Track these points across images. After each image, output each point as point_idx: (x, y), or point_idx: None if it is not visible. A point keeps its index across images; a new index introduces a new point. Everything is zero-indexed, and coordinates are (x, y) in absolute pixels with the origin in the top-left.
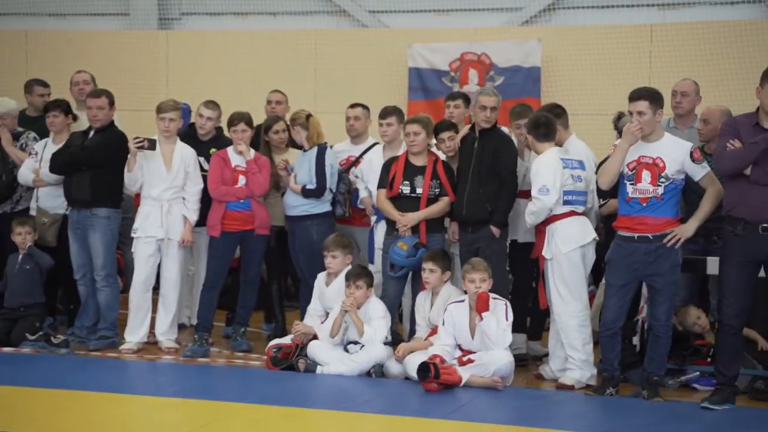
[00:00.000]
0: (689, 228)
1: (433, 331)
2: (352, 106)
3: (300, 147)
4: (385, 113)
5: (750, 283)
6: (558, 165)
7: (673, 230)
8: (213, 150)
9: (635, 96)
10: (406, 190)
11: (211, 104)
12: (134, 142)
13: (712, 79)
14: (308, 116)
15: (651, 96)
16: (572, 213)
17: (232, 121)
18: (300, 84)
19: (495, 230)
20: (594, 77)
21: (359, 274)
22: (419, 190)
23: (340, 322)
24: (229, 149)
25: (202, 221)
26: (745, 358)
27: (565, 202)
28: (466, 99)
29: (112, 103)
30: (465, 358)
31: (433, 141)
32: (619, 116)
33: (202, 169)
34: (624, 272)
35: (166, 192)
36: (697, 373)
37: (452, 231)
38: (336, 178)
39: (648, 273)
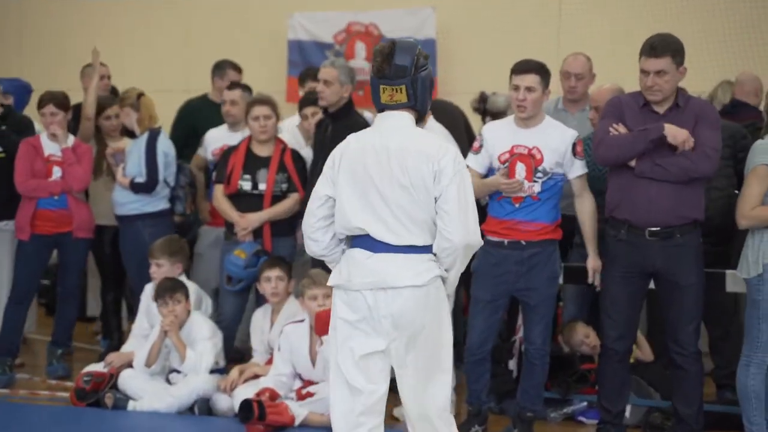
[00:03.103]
0: (595, 260)
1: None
2: (230, 87)
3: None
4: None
5: (637, 300)
6: None
7: (593, 268)
8: (3, 128)
9: (524, 68)
10: (247, 185)
11: None
12: None
13: (627, 50)
14: (139, 95)
15: (542, 70)
16: None
17: (40, 102)
18: (168, 58)
19: None
20: (496, 50)
21: (174, 287)
22: (262, 186)
23: (159, 347)
24: (43, 135)
25: None
26: (640, 386)
27: None
28: None
29: None
30: (305, 391)
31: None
32: (482, 98)
33: None
34: (492, 285)
35: None
36: (584, 403)
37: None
38: (173, 169)
39: (520, 287)
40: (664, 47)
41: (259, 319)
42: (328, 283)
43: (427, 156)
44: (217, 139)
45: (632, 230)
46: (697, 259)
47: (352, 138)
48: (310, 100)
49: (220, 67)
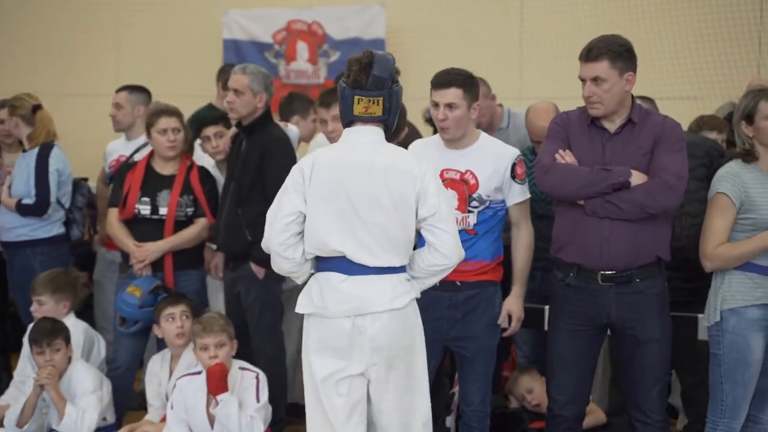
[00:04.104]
0: (516, 304)
1: None
2: (119, 90)
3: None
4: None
5: (588, 358)
6: None
7: (508, 311)
8: None
9: (443, 81)
10: (146, 210)
11: None
12: None
13: None
14: (36, 108)
15: (465, 82)
16: None
17: None
18: (99, 61)
19: (257, 269)
20: (453, 51)
21: (53, 331)
22: (163, 210)
23: (34, 403)
24: None
25: None
26: None
27: None
28: None
29: None
30: None
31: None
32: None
33: None
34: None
35: None
36: None
37: (214, 264)
38: (69, 188)
39: (454, 335)
40: (600, 49)
41: (156, 366)
42: (297, 310)
43: (410, 174)
44: (114, 150)
45: (582, 273)
46: (661, 309)
47: (320, 153)
48: (209, 118)
49: (225, 72)
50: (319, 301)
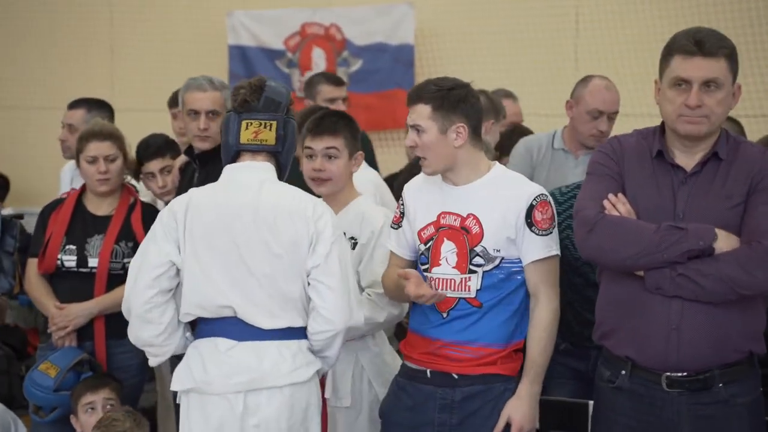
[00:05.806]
0: (520, 408)
1: None
2: (72, 105)
3: None
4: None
5: None
6: None
7: (509, 413)
8: None
9: (412, 96)
10: (70, 261)
11: None
12: None
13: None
14: None
15: (437, 97)
16: None
17: None
18: (92, 67)
19: None
20: (494, 58)
21: None
22: (93, 262)
23: None
24: None
25: None
26: None
27: None
28: None
29: None
30: None
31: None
32: None
33: None
34: None
35: None
36: None
37: None
38: None
39: None
40: (718, 42)
41: None
42: (173, 388)
43: (302, 216)
44: (66, 182)
45: (639, 374)
46: (754, 424)
47: (196, 193)
48: (153, 148)
49: (311, 84)
50: (201, 374)
